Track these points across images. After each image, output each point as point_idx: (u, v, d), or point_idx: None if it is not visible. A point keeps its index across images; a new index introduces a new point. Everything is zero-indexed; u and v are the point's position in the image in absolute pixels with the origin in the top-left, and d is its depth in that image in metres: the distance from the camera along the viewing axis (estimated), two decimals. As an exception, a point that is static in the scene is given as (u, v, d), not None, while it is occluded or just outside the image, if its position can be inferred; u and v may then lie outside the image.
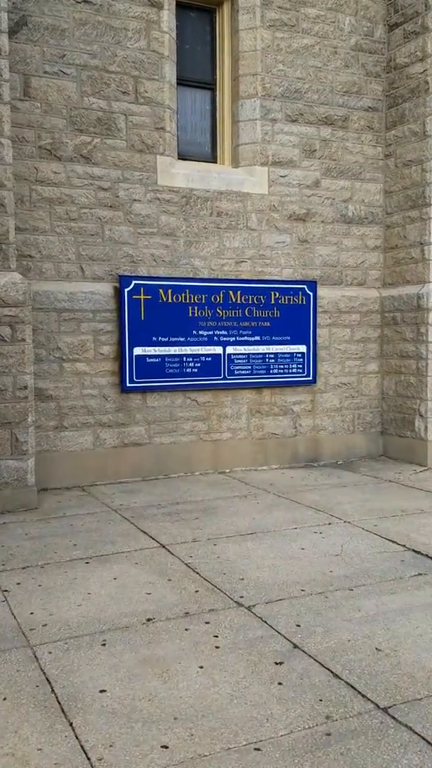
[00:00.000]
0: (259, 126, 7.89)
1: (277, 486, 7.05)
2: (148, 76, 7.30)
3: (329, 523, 5.60)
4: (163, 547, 4.98)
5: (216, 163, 8.07)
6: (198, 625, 3.68)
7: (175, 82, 7.59)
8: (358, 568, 4.58)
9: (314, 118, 8.19)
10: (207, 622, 3.71)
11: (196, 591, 4.15)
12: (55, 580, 4.34)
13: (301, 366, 8.13)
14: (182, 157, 7.81)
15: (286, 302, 8.00)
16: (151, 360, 7.36)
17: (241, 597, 4.07)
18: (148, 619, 3.76)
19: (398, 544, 5.04)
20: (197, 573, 4.46)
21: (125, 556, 4.77)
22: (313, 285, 8.15)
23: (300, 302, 8.08)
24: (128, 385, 7.25)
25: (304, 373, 8.16)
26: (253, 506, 6.16)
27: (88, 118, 7.06)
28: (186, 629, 3.63)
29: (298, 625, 3.68)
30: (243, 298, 7.77)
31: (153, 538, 5.18)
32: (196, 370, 7.59)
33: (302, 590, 4.19)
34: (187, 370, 7.55)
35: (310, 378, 8.21)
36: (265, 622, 3.73)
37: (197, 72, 8.03)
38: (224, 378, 7.75)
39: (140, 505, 6.23)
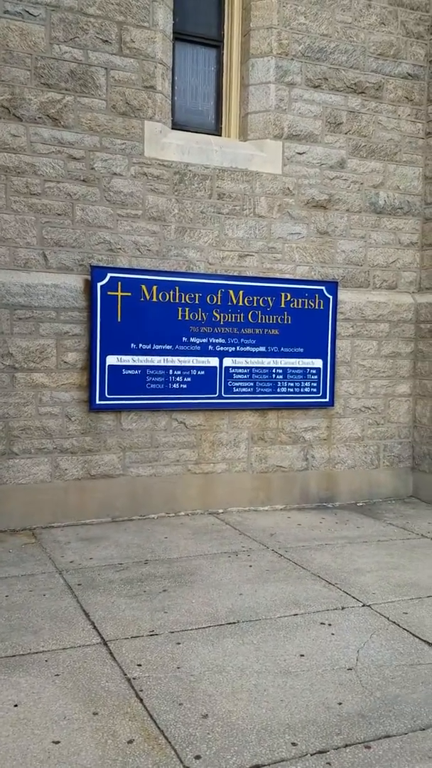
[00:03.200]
0: (272, 91, 6.45)
1: (278, 538, 5.57)
2: (136, 23, 5.91)
3: (342, 608, 4.11)
4: (105, 644, 3.53)
5: (221, 135, 6.64)
6: None
7: (170, 33, 6.19)
8: (379, 696, 3.10)
9: (341, 85, 6.72)
10: None
11: (130, 741, 2.70)
12: None
13: (315, 384, 6.65)
14: (179, 126, 6.40)
15: (300, 306, 6.53)
16: (129, 372, 5.94)
17: (197, 758, 2.61)
18: (39, 807, 2.33)
19: (439, 650, 3.56)
20: (140, 700, 3.01)
21: (46, 660, 3.34)
22: (333, 287, 6.67)
23: (316, 307, 6.60)
24: (98, 402, 5.84)
25: (318, 393, 6.67)
26: (244, 572, 4.69)
27: (59, 70, 5.68)
28: None
29: None
30: (246, 299, 6.33)
31: (95, 627, 3.73)
32: (185, 386, 6.15)
33: (293, 744, 2.72)
34: (174, 386, 6.11)
35: (326, 399, 6.72)
36: None
37: (200, 25, 6.62)
38: (220, 396, 6.30)
39: (96, 563, 4.80)
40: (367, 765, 2.60)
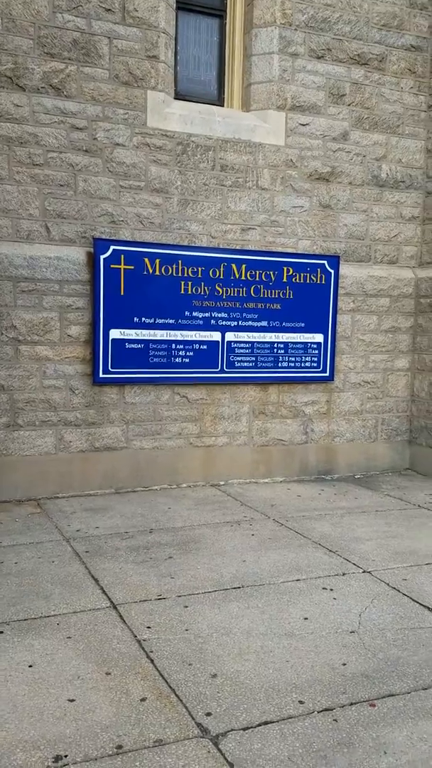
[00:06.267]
0: (276, 61, 6.40)
1: (279, 508, 5.67)
2: (139, -9, 5.83)
3: (343, 574, 4.21)
4: (115, 607, 3.63)
5: (223, 106, 6.60)
6: (130, 779, 2.34)
7: (173, 2, 6.12)
8: (382, 657, 3.21)
9: (344, 56, 6.67)
10: (146, 772, 2.37)
11: (143, 699, 2.80)
12: None
13: (316, 359, 6.71)
14: (182, 96, 6.36)
15: (302, 281, 6.56)
16: (132, 345, 5.98)
17: (208, 715, 2.71)
18: (57, 758, 2.42)
19: (438, 615, 3.67)
20: (151, 660, 3.11)
21: (57, 623, 3.43)
22: (334, 261, 6.69)
23: (318, 281, 6.63)
24: (102, 375, 5.88)
25: (319, 367, 6.73)
26: (246, 540, 4.79)
27: (62, 39, 5.62)
28: (110, 789, 2.29)
29: (290, 785, 2.33)
30: (249, 273, 6.34)
31: (104, 591, 3.83)
32: (187, 360, 6.20)
33: (300, 702, 2.83)
34: (177, 360, 6.16)
35: (327, 374, 6.78)
36: (239, 775, 2.37)
37: (204, -6, 6.54)
38: (222, 371, 6.35)
39: (102, 532, 4.89)
40: (373, 722, 2.71)
